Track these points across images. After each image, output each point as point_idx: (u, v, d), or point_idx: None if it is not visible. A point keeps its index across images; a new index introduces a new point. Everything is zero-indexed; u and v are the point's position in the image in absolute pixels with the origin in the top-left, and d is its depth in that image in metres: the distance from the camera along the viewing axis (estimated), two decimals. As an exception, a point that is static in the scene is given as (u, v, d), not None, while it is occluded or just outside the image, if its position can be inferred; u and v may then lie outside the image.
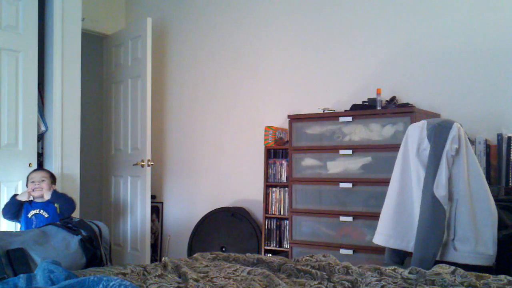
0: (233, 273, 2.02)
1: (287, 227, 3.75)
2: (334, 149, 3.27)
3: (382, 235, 2.62)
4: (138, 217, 4.37)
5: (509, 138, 3.00)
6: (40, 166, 3.69)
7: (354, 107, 3.35)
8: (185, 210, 4.66)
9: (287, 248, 3.73)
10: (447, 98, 3.39)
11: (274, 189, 3.89)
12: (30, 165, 3.51)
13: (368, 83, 3.66)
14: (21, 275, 1.75)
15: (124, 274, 1.95)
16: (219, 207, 4.28)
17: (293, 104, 4.02)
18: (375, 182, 3.09)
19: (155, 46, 4.67)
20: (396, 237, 2.56)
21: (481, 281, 1.81)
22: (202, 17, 4.62)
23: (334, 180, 3.25)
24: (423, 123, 2.52)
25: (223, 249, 4.04)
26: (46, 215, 3.17)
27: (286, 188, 3.77)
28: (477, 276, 1.87)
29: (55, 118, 3.71)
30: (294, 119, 3.45)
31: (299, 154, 3.42)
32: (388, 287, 1.76)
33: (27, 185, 3.27)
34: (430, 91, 3.45)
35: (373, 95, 3.38)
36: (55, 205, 3.22)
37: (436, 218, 2.37)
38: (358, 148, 3.19)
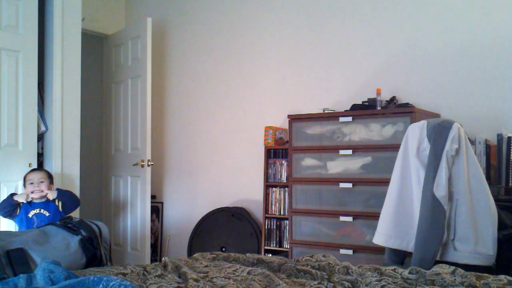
0: (233, 273, 2.02)
1: (287, 227, 3.75)
2: (334, 149, 3.27)
3: (382, 235, 2.62)
4: (138, 217, 4.37)
5: (509, 138, 3.00)
6: (40, 166, 3.69)
7: (354, 107, 3.35)
8: (185, 210, 4.66)
9: (287, 248, 3.73)
10: (447, 98, 3.39)
11: (274, 189, 3.89)
12: (30, 165, 3.51)
13: (368, 83, 3.66)
14: (21, 275, 1.75)
15: (124, 274, 1.95)
16: (219, 207, 4.28)
17: (293, 104, 4.02)
18: (375, 182, 3.09)
19: (155, 46, 4.67)
20: (396, 237, 2.56)
21: (481, 281, 1.81)
22: (202, 17, 4.62)
23: (334, 180, 3.26)
24: (423, 123, 2.53)
25: (223, 249, 4.03)
26: (47, 214, 3.17)
27: (286, 188, 3.77)
28: (477, 276, 1.87)
29: (55, 118, 3.71)
30: (294, 119, 3.45)
31: (299, 154, 3.42)
32: (388, 287, 1.76)
33: (24, 186, 3.26)
34: (430, 91, 3.45)
35: (373, 95, 3.38)
36: (56, 203, 3.22)
37: (436, 218, 2.37)
38: (358, 148, 3.19)
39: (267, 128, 3.98)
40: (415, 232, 2.44)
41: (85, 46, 4.24)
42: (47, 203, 3.21)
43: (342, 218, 3.21)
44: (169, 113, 4.82)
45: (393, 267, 2.02)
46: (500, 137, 3.05)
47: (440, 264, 2.02)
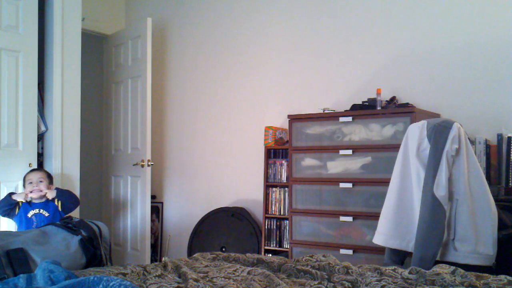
0: (233, 273, 2.02)
1: (287, 227, 3.75)
2: (334, 149, 3.27)
3: (382, 235, 2.62)
4: (138, 217, 4.37)
5: (509, 138, 3.00)
6: (40, 166, 3.69)
7: (354, 107, 3.35)
8: (185, 210, 4.66)
9: (287, 248, 3.73)
10: (447, 98, 3.39)
11: (274, 189, 3.89)
12: (30, 165, 3.51)
13: (368, 83, 3.66)
14: (21, 275, 1.75)
15: (124, 274, 1.95)
16: (219, 207, 4.28)
17: (293, 104, 4.02)
18: (375, 182, 3.09)
19: (155, 46, 4.67)
20: (396, 237, 2.56)
21: (481, 281, 1.81)
22: (202, 17, 4.62)
23: (334, 180, 3.25)
24: (423, 123, 2.53)
25: (223, 249, 4.03)
26: (47, 214, 3.17)
27: (286, 188, 3.78)
28: (477, 276, 1.87)
29: (55, 118, 3.71)
30: (294, 119, 3.45)
31: (299, 154, 3.42)
32: (388, 287, 1.76)
33: (24, 186, 3.26)
34: (430, 91, 3.45)
35: (373, 95, 3.38)
36: (56, 203, 3.22)
37: (436, 218, 2.37)
38: (358, 148, 3.19)
39: (267, 128, 3.98)
40: (415, 232, 2.44)
41: (85, 46, 4.24)
42: (46, 203, 3.21)
43: (342, 218, 3.21)
44: (169, 113, 4.82)
45: (393, 267, 2.02)
46: (500, 137, 3.05)
47: (440, 264, 2.02)
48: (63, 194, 3.26)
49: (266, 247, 3.87)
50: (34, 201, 3.19)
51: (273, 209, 3.89)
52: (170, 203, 4.78)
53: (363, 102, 3.38)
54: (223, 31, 4.48)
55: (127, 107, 4.56)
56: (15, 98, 3.48)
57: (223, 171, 4.44)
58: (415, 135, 2.53)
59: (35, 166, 3.55)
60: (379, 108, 3.27)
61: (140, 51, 4.40)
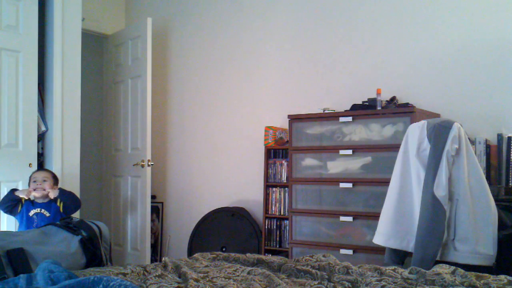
0: (233, 273, 2.02)
1: (287, 227, 3.75)
2: (334, 149, 3.27)
3: (382, 235, 2.62)
4: (138, 217, 4.37)
5: (509, 138, 3.00)
6: (40, 166, 3.69)
7: (354, 107, 3.35)
8: (185, 210, 4.66)
9: (287, 248, 3.72)
10: (447, 98, 3.40)
11: (274, 189, 3.89)
12: (30, 165, 3.51)
13: (368, 83, 3.66)
14: (21, 275, 1.75)
15: (124, 274, 1.95)
16: (219, 207, 4.28)
17: (293, 104, 4.02)
18: (375, 182, 3.09)
19: (155, 46, 4.67)
20: (396, 237, 2.57)
21: (481, 281, 1.81)
22: (202, 17, 4.62)
23: (334, 180, 3.26)
24: (423, 123, 2.53)
25: (223, 249, 4.03)
26: (48, 214, 3.17)
27: (286, 188, 3.78)
28: (477, 276, 1.88)
29: (55, 118, 3.71)
30: (294, 119, 3.45)
31: (299, 154, 3.42)
32: (388, 287, 1.76)
33: (29, 185, 3.27)
34: (430, 91, 3.45)
35: (373, 95, 3.38)
36: (58, 204, 3.22)
37: (436, 218, 2.37)
38: (358, 148, 3.19)
39: (267, 128, 3.98)
40: (415, 232, 2.44)
41: (85, 46, 4.24)
42: (49, 204, 3.21)
43: (342, 218, 3.21)
44: (169, 113, 4.82)
45: (393, 267, 2.02)
46: (500, 137, 3.05)
47: (440, 264, 2.02)
48: (65, 194, 3.26)
49: (266, 247, 3.87)
50: (37, 200, 3.20)
51: (273, 209, 3.89)
52: (170, 203, 4.78)
53: (363, 102, 3.38)
54: (223, 31, 4.48)
55: (127, 107, 4.56)
56: (15, 98, 3.48)
57: (223, 171, 4.44)
58: (415, 135, 2.53)
59: (35, 166, 3.55)
60: (379, 108, 3.27)
61: (140, 51, 4.40)
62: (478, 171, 2.43)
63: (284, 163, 3.83)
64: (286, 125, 3.82)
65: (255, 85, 4.29)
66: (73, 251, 2.61)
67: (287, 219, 3.73)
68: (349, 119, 3.22)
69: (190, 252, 4.20)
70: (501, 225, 2.45)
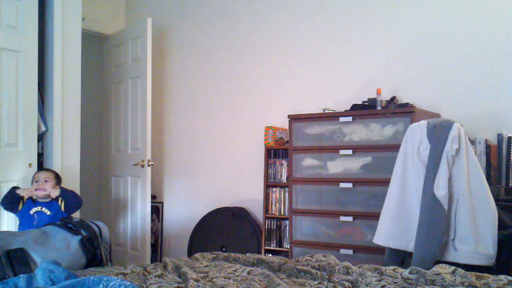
0: (233, 273, 2.02)
1: (287, 227, 3.75)
2: (334, 149, 3.27)
3: (382, 235, 2.62)
4: (138, 217, 4.37)
5: (509, 138, 3.00)
6: (40, 166, 3.69)
7: (354, 107, 3.35)
8: (185, 210, 4.66)
9: (287, 248, 3.73)
10: (447, 98, 3.40)
11: (274, 189, 3.89)
12: (30, 165, 3.51)
13: (368, 83, 3.66)
14: (21, 275, 1.75)
15: (124, 274, 1.95)
16: (219, 207, 4.28)
17: (293, 104, 4.02)
18: (375, 182, 3.09)
19: (155, 46, 4.67)
20: (396, 237, 2.56)
21: (481, 281, 1.81)
22: (202, 17, 4.62)
23: (334, 180, 3.26)
24: (423, 123, 2.53)
25: (223, 249, 4.03)
26: (48, 213, 3.17)
27: (286, 188, 3.78)
28: (477, 276, 1.88)
29: (55, 118, 3.71)
30: (294, 119, 3.45)
31: (299, 154, 3.42)
32: (388, 287, 1.76)
33: (32, 184, 3.27)
34: (430, 91, 3.45)
35: (373, 95, 3.38)
36: (59, 202, 3.23)
37: (436, 218, 2.37)
38: (358, 148, 3.19)
39: (267, 128, 3.98)
40: (415, 232, 2.44)
41: (85, 46, 4.24)
42: (50, 203, 3.22)
43: (342, 218, 3.21)
44: (169, 113, 4.82)
45: (393, 267, 2.02)
46: (500, 137, 3.05)
47: (440, 264, 2.02)
48: (66, 193, 3.26)
49: (266, 247, 3.87)
50: (39, 199, 3.21)
51: (273, 209, 3.89)
52: (170, 203, 4.78)
53: (363, 102, 3.38)
54: (223, 31, 4.48)
55: (127, 107, 4.56)
56: (15, 98, 3.48)
57: (223, 171, 4.44)
58: (415, 135, 2.53)
59: (35, 166, 3.55)
60: (379, 108, 3.27)
61: (140, 51, 4.40)
62: (478, 171, 2.42)
63: (284, 163, 3.83)
64: (286, 125, 3.82)
65: (255, 85, 4.28)
66: (73, 251, 2.61)
67: (287, 219, 3.73)
68: (349, 119, 3.22)
69: (190, 252, 4.20)
70: (501, 225, 2.45)
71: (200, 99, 4.61)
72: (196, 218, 4.36)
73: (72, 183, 3.75)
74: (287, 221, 3.71)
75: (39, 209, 3.17)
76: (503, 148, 3.02)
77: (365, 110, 3.27)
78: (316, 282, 1.88)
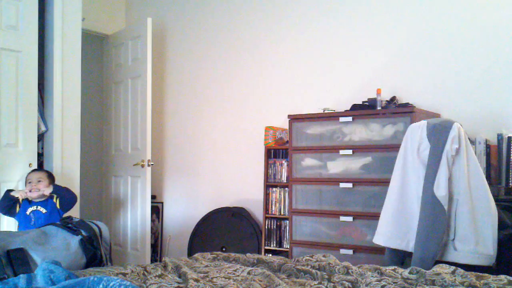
0: (233, 273, 2.02)
1: (287, 227, 3.75)
2: (334, 149, 3.27)
3: (382, 235, 2.62)
4: (138, 217, 4.37)
5: (509, 138, 3.00)
6: (40, 166, 3.69)
7: (354, 107, 3.35)
8: (185, 210, 4.66)
9: (287, 248, 3.73)
10: (447, 98, 3.40)
11: (274, 189, 3.89)
12: (30, 165, 3.51)
13: (368, 83, 3.66)
14: (21, 275, 1.75)
15: (124, 274, 1.95)
16: (219, 207, 4.28)
17: (293, 104, 4.02)
18: (375, 182, 3.09)
19: (155, 46, 4.67)
20: (396, 237, 2.57)
21: (481, 281, 1.81)
22: (202, 17, 4.62)
23: (334, 180, 3.26)
24: (423, 123, 2.53)
25: (223, 249, 4.03)
26: (44, 211, 3.18)
27: (286, 188, 3.78)
28: (477, 276, 1.88)
29: (55, 118, 3.71)
30: (294, 119, 3.45)
31: (299, 154, 3.42)
32: (388, 287, 1.76)
33: (25, 186, 3.27)
34: (430, 91, 3.45)
35: (373, 95, 3.38)
36: (54, 200, 3.23)
37: (436, 218, 2.37)
38: (358, 148, 3.19)
39: (267, 128, 3.98)
40: (415, 232, 2.44)
41: (85, 46, 4.24)
42: (45, 201, 3.22)
43: (342, 218, 3.21)
44: (169, 113, 4.82)
45: (393, 267, 2.02)
46: (500, 137, 3.05)
47: (440, 264, 2.02)
48: (61, 190, 3.26)
49: (266, 247, 3.87)
50: (34, 200, 3.21)
51: (273, 209, 3.89)
52: (170, 203, 4.78)
53: (363, 102, 3.38)
54: (223, 31, 4.48)
55: (127, 107, 4.56)
56: (15, 98, 3.48)
57: (223, 171, 4.44)
58: (415, 135, 2.53)
59: (35, 166, 3.55)
60: (379, 108, 3.27)
61: (140, 51, 4.40)
62: (478, 171, 2.43)
63: (284, 163, 3.83)
64: (286, 125, 3.82)
65: (255, 85, 4.28)
66: (73, 251, 2.61)
67: (287, 219, 3.73)
68: (349, 119, 3.22)
69: (190, 252, 4.20)
70: (501, 225, 2.45)
71: (200, 99, 4.61)
72: (196, 218, 4.36)
73: (72, 183, 3.75)
74: (287, 221, 3.71)
75: (35, 208, 3.18)
76: (503, 148, 3.02)
77: (365, 110, 3.27)
78: (316, 282, 1.88)
